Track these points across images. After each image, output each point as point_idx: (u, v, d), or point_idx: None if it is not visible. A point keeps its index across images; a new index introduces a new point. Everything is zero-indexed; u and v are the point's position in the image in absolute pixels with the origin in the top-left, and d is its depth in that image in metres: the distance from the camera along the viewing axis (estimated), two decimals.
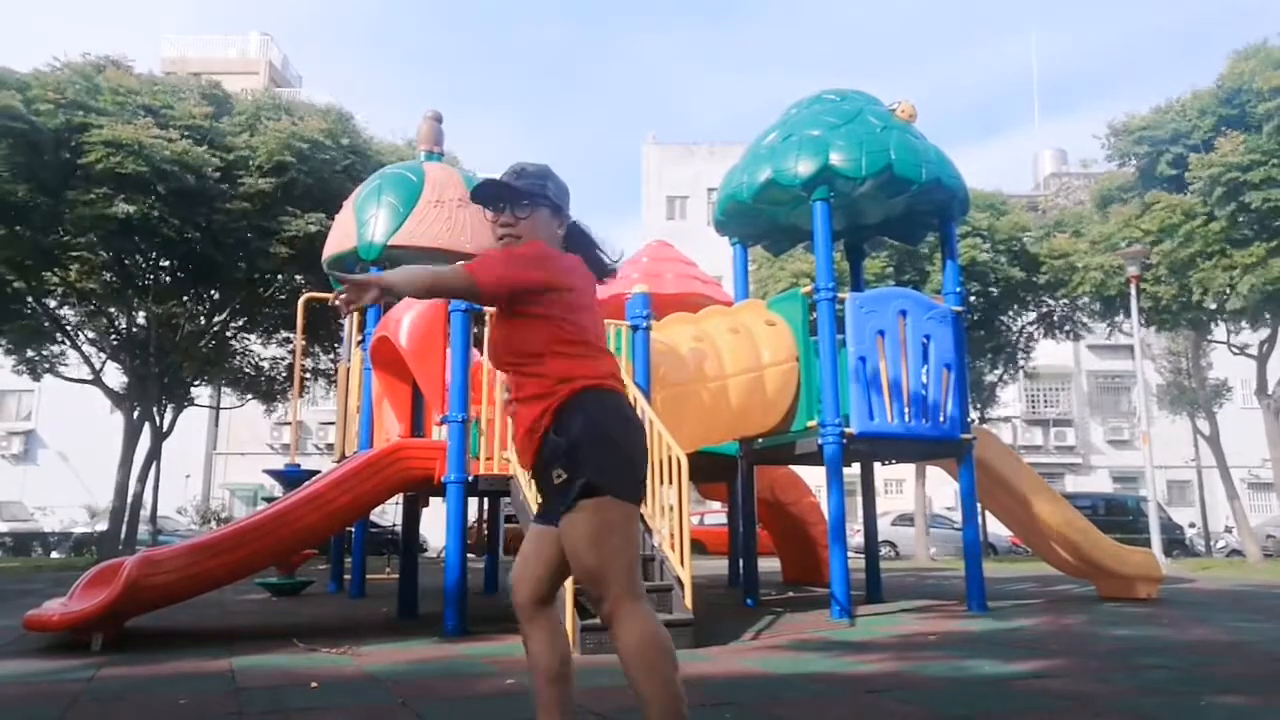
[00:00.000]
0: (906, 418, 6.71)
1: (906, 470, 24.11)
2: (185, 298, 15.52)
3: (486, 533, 11.30)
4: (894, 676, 4.10)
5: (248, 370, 18.16)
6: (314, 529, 5.97)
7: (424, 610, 6.79)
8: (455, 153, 14.21)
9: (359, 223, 8.01)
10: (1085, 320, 19.69)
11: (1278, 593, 8.96)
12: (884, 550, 15.32)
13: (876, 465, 8.49)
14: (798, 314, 7.18)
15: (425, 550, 18.53)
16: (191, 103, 13.85)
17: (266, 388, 18.46)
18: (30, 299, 14.69)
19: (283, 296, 15.08)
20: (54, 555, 21.91)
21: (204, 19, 78.03)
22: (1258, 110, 14.51)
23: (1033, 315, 19.97)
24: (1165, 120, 15.94)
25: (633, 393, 5.94)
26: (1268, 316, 16.17)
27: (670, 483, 5.52)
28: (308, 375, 18.00)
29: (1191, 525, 26.25)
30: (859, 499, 8.79)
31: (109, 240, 13.34)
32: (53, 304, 15.47)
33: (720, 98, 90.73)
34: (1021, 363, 20.61)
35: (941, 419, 6.83)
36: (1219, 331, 17.90)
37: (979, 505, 7.49)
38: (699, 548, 14.25)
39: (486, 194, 2.27)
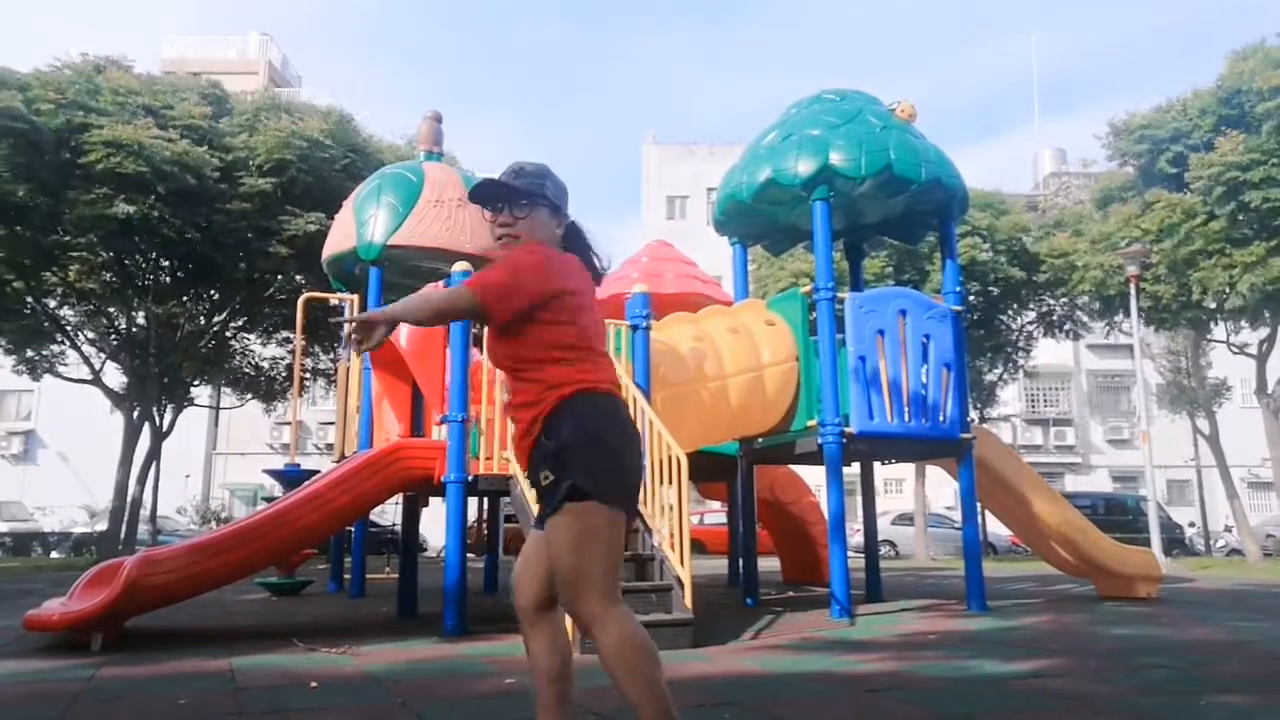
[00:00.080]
0: (906, 417, 6.71)
1: (906, 470, 24.11)
2: (185, 298, 15.52)
3: (486, 533, 11.30)
4: (894, 676, 4.10)
5: (248, 370, 18.16)
6: (314, 529, 5.97)
7: (424, 610, 6.79)
8: (455, 153, 14.21)
9: (358, 222, 8.01)
10: (1085, 319, 19.71)
11: (1277, 592, 8.97)
12: (884, 550, 15.33)
13: (876, 465, 8.49)
14: (797, 314, 7.18)
15: (425, 550, 18.54)
16: (191, 103, 13.85)
17: (266, 388, 18.46)
18: (30, 299, 14.68)
19: (283, 296, 15.07)
20: (54, 555, 21.91)
21: (204, 19, 78.05)
22: (1257, 110, 14.52)
23: (1032, 315, 19.98)
24: (1166, 119, 15.95)
25: (633, 393, 5.94)
26: (1267, 315, 16.17)
27: (670, 482, 5.52)
28: (308, 375, 18.00)
29: (1191, 525, 26.26)
30: (859, 498, 8.79)
31: (109, 240, 13.34)
32: (52, 304, 15.47)
33: (720, 98, 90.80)
34: (1021, 362, 20.62)
35: (941, 418, 6.83)
36: (1219, 331, 17.90)
37: (979, 505, 7.49)
38: (699, 547, 14.25)
39: (485, 194, 2.26)
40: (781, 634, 5.70)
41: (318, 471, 7.44)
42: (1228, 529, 25.29)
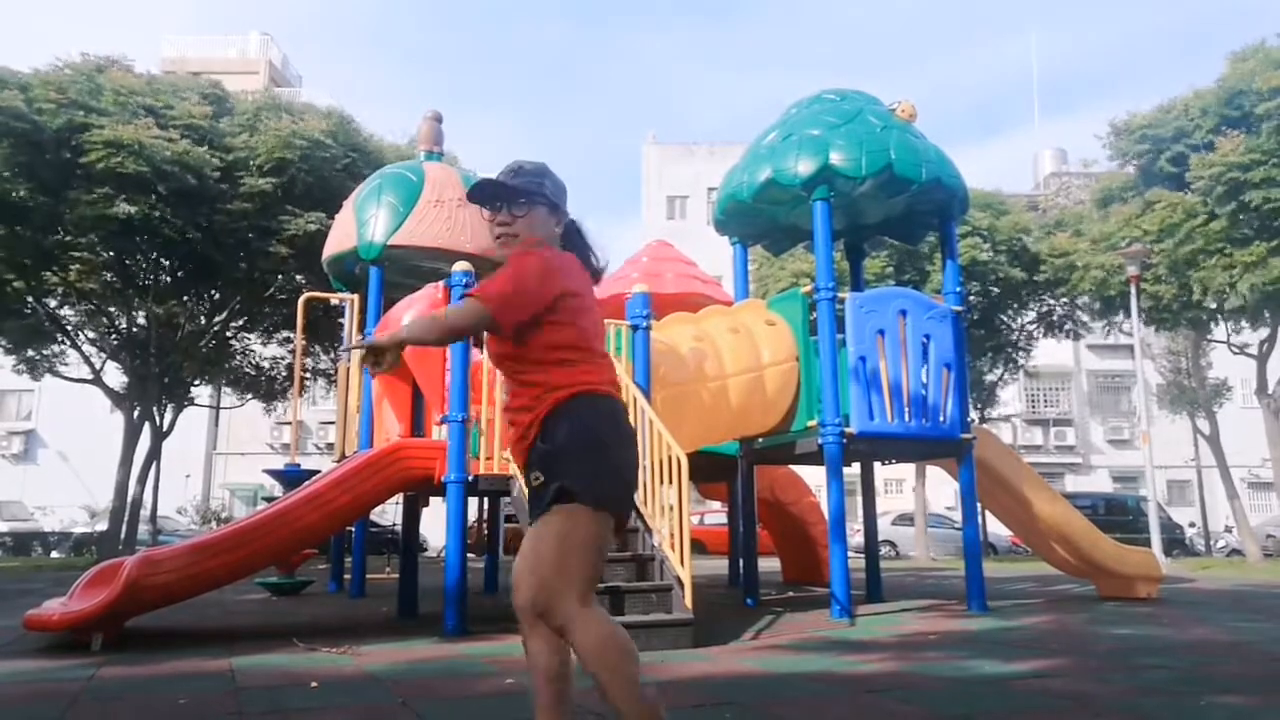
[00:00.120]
0: (906, 417, 6.70)
1: (906, 470, 24.10)
2: (186, 298, 15.52)
3: (486, 532, 11.30)
4: (894, 676, 4.10)
5: (248, 370, 18.16)
6: (314, 529, 5.97)
7: (424, 610, 6.79)
8: (455, 153, 14.22)
9: (359, 222, 8.01)
10: (1085, 319, 19.71)
11: (1278, 593, 8.96)
12: (884, 550, 15.33)
13: (876, 465, 8.49)
14: (798, 314, 7.17)
15: (425, 550, 18.54)
16: (192, 103, 13.85)
17: (267, 388, 18.46)
18: (30, 299, 14.69)
19: (283, 296, 15.08)
20: (54, 555, 21.93)
21: (204, 19, 78.12)
22: (1258, 110, 14.52)
23: (1032, 315, 19.98)
24: (1168, 119, 15.94)
25: (633, 393, 5.94)
26: (1267, 315, 16.17)
27: (670, 483, 5.52)
28: (308, 375, 18.01)
29: (1191, 525, 26.26)
30: (859, 499, 8.79)
31: (110, 240, 13.35)
32: (53, 304, 15.47)
33: (720, 98, 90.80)
34: (1021, 362, 20.62)
35: (941, 419, 6.83)
36: (1219, 331, 17.90)
37: (979, 505, 7.49)
38: (699, 548, 14.24)
39: (483, 193, 2.26)
40: (782, 634, 5.69)
41: (318, 471, 7.43)
42: (1228, 529, 25.28)
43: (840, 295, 6.82)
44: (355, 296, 8.65)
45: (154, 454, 16.90)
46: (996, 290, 18.34)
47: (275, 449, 30.68)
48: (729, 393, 6.78)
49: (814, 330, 6.95)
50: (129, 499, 15.48)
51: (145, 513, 18.55)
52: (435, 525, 10.06)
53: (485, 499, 10.67)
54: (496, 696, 3.66)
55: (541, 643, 2.16)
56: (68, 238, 13.28)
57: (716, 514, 18.56)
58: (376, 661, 4.55)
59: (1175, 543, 20.92)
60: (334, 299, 9.82)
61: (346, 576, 9.56)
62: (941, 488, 24.36)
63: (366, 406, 7.96)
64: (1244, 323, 16.66)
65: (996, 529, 18.33)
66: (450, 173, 8.64)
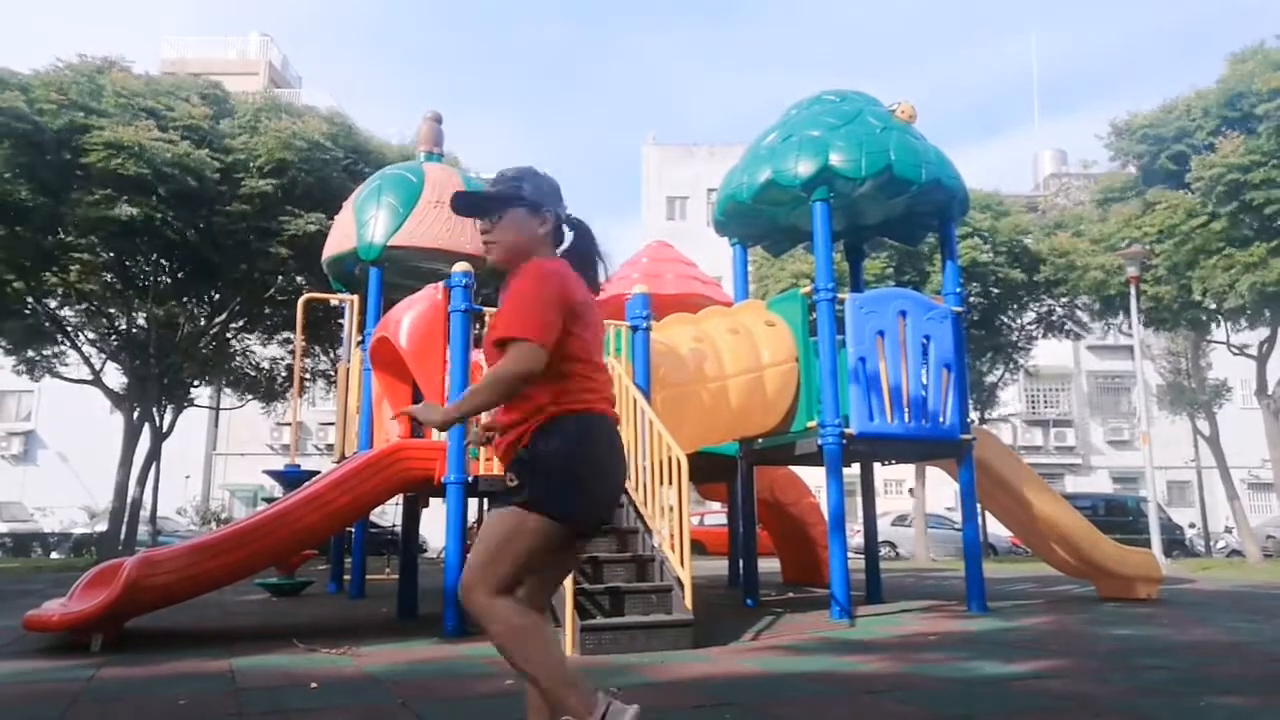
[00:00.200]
0: (906, 418, 6.71)
1: (906, 470, 24.10)
2: (186, 298, 15.53)
3: None
4: (894, 677, 4.10)
5: (248, 371, 18.16)
6: (314, 529, 5.97)
7: (424, 611, 6.79)
8: (455, 153, 14.23)
9: (359, 223, 8.01)
10: (1085, 320, 19.72)
11: (1277, 593, 8.96)
12: (884, 550, 15.33)
13: (876, 465, 8.49)
14: (797, 314, 7.18)
15: (425, 551, 18.53)
16: (192, 104, 13.85)
17: (266, 388, 18.45)
18: (30, 299, 14.69)
19: (283, 297, 15.07)
20: (54, 556, 21.92)
21: (204, 19, 78.08)
22: (1257, 110, 14.52)
23: (1032, 315, 19.98)
24: (1170, 119, 15.94)
25: (633, 394, 5.94)
26: (1267, 316, 16.17)
27: (670, 483, 5.53)
28: (308, 375, 18.00)
29: (1191, 525, 26.25)
30: (859, 499, 8.79)
31: (110, 241, 13.35)
32: (53, 304, 15.47)
33: (720, 98, 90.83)
34: (1021, 362, 20.62)
35: (941, 419, 6.83)
36: (1219, 331, 17.91)
37: (979, 506, 7.49)
38: (699, 548, 14.24)
39: (465, 208, 2.29)
40: (782, 635, 5.69)
41: (318, 472, 7.43)
42: (1228, 530, 25.28)
43: (840, 296, 6.83)
44: (355, 297, 8.66)
45: (154, 455, 16.90)
46: (996, 291, 18.33)
47: (275, 450, 30.68)
48: (729, 393, 6.79)
49: (814, 331, 6.95)
50: (129, 500, 15.48)
51: (145, 513, 18.55)
52: (435, 526, 10.05)
53: (485, 500, 10.66)
54: (496, 697, 3.66)
55: None
56: (68, 238, 13.27)
57: (716, 515, 18.56)
58: (376, 662, 4.55)
59: (1175, 543, 20.91)
60: (334, 300, 9.82)
61: (346, 577, 9.56)
62: (941, 488, 24.34)
63: (366, 407, 7.96)
64: (1244, 323, 16.67)
65: (996, 530, 18.33)
66: (450, 173, 8.64)
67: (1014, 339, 20.06)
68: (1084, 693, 3.64)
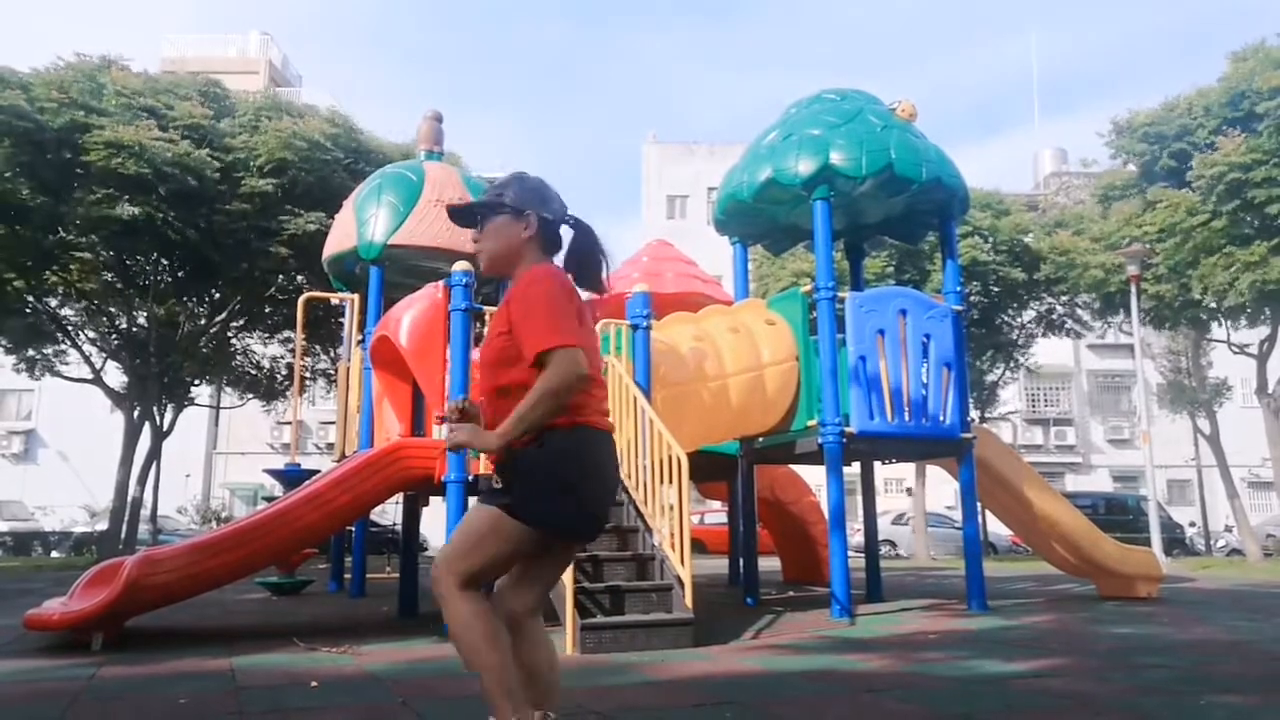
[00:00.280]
0: (906, 417, 6.71)
1: (907, 469, 24.11)
2: (186, 297, 15.52)
3: None
4: (894, 675, 4.11)
5: (248, 370, 18.16)
6: (314, 528, 5.97)
7: (424, 610, 6.79)
8: (455, 152, 14.22)
9: (359, 222, 8.01)
10: (1085, 319, 19.72)
11: (1278, 592, 8.97)
12: (884, 549, 15.33)
13: (876, 464, 8.49)
14: (798, 313, 7.18)
15: (425, 549, 18.54)
16: (193, 103, 13.85)
17: (267, 387, 18.45)
18: (31, 298, 14.69)
19: (283, 296, 15.08)
20: (54, 555, 21.93)
21: (204, 19, 78.05)
22: (1258, 109, 14.51)
23: (1032, 314, 19.98)
24: (1171, 117, 15.93)
25: (633, 393, 5.94)
26: (1267, 314, 16.17)
27: (670, 482, 5.53)
28: (308, 374, 18.00)
29: (1192, 524, 26.25)
30: (859, 498, 8.79)
31: (111, 240, 13.34)
32: (53, 303, 15.47)
33: (720, 98, 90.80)
34: (1022, 361, 20.62)
35: (941, 418, 6.83)
36: (1219, 330, 17.91)
37: (979, 504, 7.49)
38: (699, 547, 14.24)
39: (455, 219, 2.35)
40: (782, 634, 5.70)
41: (318, 471, 7.44)
42: (1228, 529, 25.28)
43: (840, 295, 6.83)
44: (355, 296, 8.65)
45: (154, 454, 16.90)
46: (997, 290, 18.33)
47: (275, 449, 30.68)
48: (729, 392, 6.79)
49: (814, 330, 6.95)
50: (129, 499, 15.48)
51: (145, 512, 18.55)
52: (435, 525, 10.05)
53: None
54: None
55: (520, 639, 2.19)
56: (69, 237, 13.27)
57: (716, 514, 18.56)
58: (377, 661, 4.56)
59: (1175, 542, 20.91)
60: (334, 299, 9.82)
61: (347, 576, 9.57)
62: (942, 487, 24.36)
63: (367, 406, 7.97)
64: (1244, 322, 16.67)
65: (997, 528, 18.33)
66: (451, 172, 8.65)
67: (1014, 338, 20.06)
68: (1084, 691, 3.64)
